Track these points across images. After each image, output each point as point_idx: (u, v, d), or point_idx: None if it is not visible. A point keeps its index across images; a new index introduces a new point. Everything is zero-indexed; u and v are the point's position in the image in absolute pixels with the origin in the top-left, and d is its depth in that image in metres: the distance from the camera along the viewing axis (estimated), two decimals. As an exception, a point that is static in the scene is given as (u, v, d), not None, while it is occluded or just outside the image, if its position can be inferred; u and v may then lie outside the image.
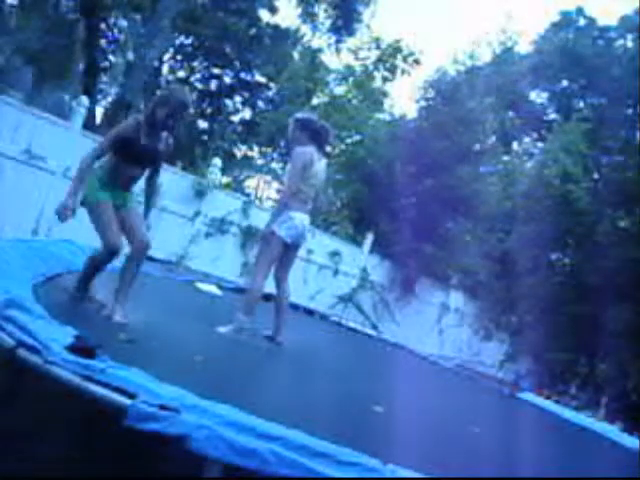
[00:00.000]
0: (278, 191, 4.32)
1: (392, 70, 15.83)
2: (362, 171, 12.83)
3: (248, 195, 14.14)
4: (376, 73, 16.03)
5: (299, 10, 18.48)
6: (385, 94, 16.88)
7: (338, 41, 18.28)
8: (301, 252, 10.68)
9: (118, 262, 4.02)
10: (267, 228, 4.18)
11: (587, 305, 9.93)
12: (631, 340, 9.30)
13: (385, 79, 16.03)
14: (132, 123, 3.67)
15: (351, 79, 16.28)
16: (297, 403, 3.02)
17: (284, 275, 4.41)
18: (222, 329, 4.02)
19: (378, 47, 15.88)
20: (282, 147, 17.92)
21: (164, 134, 3.81)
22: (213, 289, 5.91)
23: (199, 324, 4.10)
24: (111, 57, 18.10)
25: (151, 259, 6.42)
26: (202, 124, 21.28)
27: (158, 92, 3.84)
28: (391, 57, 15.75)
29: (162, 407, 1.96)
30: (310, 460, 1.88)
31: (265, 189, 23.63)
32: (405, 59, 15.61)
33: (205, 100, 21.19)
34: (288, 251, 4.29)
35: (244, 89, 20.82)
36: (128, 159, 3.66)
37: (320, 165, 4.36)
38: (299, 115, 4.51)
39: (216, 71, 20.62)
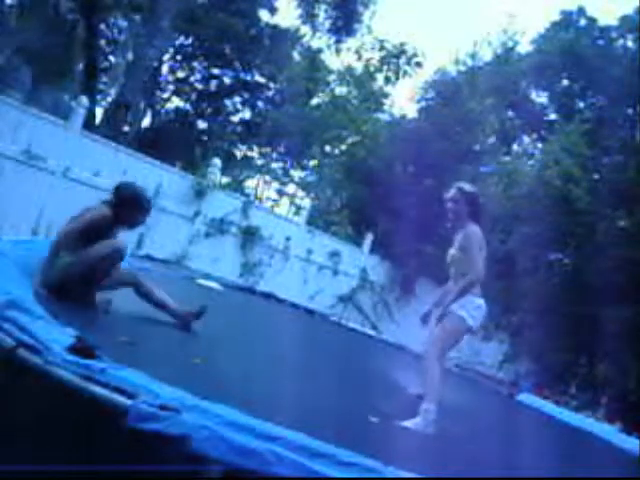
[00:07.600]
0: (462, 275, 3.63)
1: (396, 71, 15.82)
2: (362, 171, 12.83)
3: (248, 195, 14.13)
4: (379, 74, 16.02)
5: (299, 11, 18.51)
6: (386, 95, 16.89)
7: (338, 41, 18.30)
8: (301, 252, 10.82)
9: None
10: (452, 312, 3.72)
11: (587, 305, 9.94)
12: (631, 340, 9.30)
13: (388, 79, 16.02)
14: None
15: (352, 79, 16.29)
16: (297, 403, 3.01)
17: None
18: (408, 424, 3.36)
19: (382, 48, 15.87)
20: (281, 147, 17.91)
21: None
22: (214, 284, 5.91)
23: (199, 322, 4.09)
24: (111, 57, 18.12)
25: (150, 259, 6.44)
26: (202, 124, 21.30)
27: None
28: (394, 58, 15.74)
29: (162, 407, 1.95)
30: (310, 460, 1.88)
31: (265, 189, 23.66)
32: (409, 61, 15.61)
33: (205, 100, 21.21)
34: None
35: (244, 89, 20.83)
36: None
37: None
38: (466, 187, 3.88)
39: (216, 71, 20.63)
